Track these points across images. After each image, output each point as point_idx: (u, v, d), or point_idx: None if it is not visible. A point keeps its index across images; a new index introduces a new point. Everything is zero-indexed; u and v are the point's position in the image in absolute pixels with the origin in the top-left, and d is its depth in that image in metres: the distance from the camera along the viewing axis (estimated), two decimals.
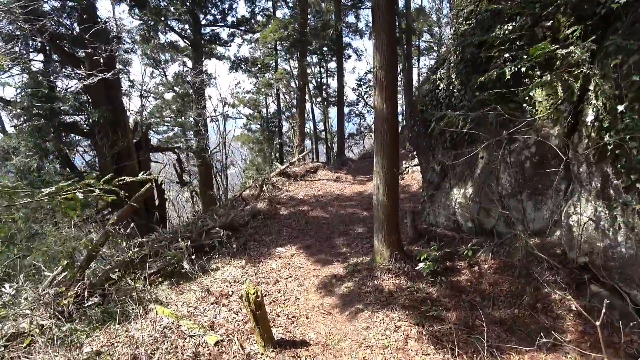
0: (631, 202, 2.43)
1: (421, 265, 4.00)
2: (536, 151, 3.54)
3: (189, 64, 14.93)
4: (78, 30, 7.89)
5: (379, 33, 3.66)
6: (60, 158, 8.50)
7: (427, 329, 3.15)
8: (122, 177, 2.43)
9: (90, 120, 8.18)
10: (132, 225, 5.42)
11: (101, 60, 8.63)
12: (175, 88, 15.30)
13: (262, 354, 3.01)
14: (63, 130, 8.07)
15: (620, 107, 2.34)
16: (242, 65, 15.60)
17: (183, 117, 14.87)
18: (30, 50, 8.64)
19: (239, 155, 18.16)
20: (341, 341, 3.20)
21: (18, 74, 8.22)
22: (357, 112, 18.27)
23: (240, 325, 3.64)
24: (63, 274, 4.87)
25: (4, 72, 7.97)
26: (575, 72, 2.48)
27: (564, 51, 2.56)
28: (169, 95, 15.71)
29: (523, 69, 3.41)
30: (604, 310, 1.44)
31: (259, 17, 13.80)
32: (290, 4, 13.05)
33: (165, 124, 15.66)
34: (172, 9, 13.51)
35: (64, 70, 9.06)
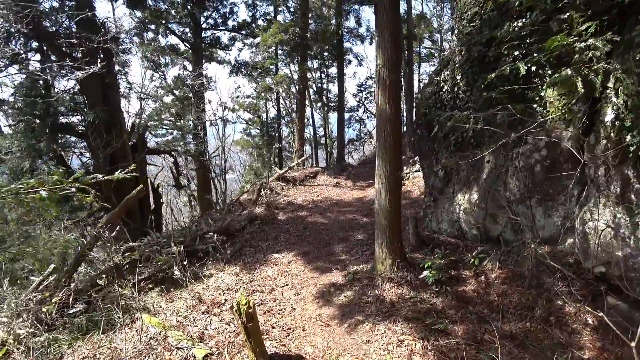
0: None
1: (425, 273, 3.78)
2: (547, 154, 3.36)
3: (189, 67, 14.89)
4: (75, 29, 7.79)
5: (382, 31, 3.52)
6: (55, 159, 8.32)
7: (432, 344, 2.92)
8: (95, 175, 2.22)
9: (86, 121, 8.02)
10: (119, 229, 5.21)
11: (98, 59, 8.54)
12: (174, 91, 15.23)
13: None
14: (57, 131, 7.89)
15: None
16: (243, 70, 15.54)
17: (182, 121, 14.75)
18: (27, 49, 8.53)
19: (238, 160, 18.00)
20: (340, 356, 2.96)
21: (16, 73, 8.12)
22: (357, 118, 18.20)
23: (231, 337, 3.40)
24: (50, 279, 4.64)
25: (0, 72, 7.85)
26: (595, 67, 2.32)
27: (583, 44, 2.40)
28: (168, 99, 15.64)
29: (533, 68, 3.27)
30: None
31: (260, 22, 13.81)
32: (292, 9, 13.07)
33: (164, 127, 15.54)
34: (172, 12, 13.50)
35: (61, 70, 8.95)
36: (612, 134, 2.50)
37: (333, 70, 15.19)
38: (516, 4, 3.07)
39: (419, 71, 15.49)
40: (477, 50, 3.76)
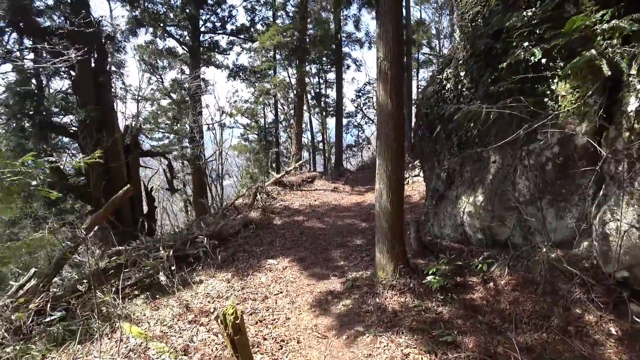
0: None
1: (429, 279, 3.51)
2: (560, 151, 3.15)
3: (187, 71, 14.76)
4: (69, 27, 7.61)
5: (383, 20, 3.34)
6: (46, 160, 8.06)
7: (440, 358, 2.64)
8: (48, 158, 1.97)
9: (77, 121, 7.80)
10: (106, 232, 4.93)
11: (92, 58, 8.36)
12: (172, 94, 15.06)
13: None
14: (47, 130, 7.63)
15: None
16: (241, 74, 15.44)
17: (179, 124, 14.55)
18: (20, 48, 8.34)
19: (235, 165, 17.77)
20: None
21: (8, 72, 7.92)
22: (355, 123, 18.09)
23: (219, 349, 3.10)
24: (32, 283, 4.34)
25: None
26: (619, 51, 2.13)
27: (605, 25, 2.21)
28: (165, 102, 15.46)
29: (544, 61, 3.08)
30: None
31: (258, 26, 13.76)
32: (290, 14, 13.06)
33: (160, 130, 15.31)
34: (171, 14, 13.43)
35: (55, 71, 8.76)
36: (635, 125, 2.30)
37: (331, 76, 15.15)
38: None
39: (417, 77, 15.49)
40: (483, 43, 3.58)
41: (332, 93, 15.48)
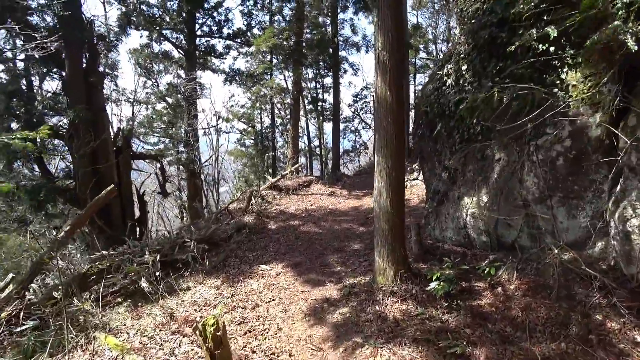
0: None
1: (433, 285, 3.25)
2: (572, 145, 2.94)
3: (183, 75, 14.61)
4: (59, 25, 7.42)
5: (381, 7, 3.16)
6: (32, 161, 7.78)
7: None
8: None
9: (67, 121, 7.53)
10: (89, 235, 4.63)
11: (84, 57, 8.15)
12: (167, 98, 14.86)
13: None
14: (33, 130, 7.34)
15: None
16: (237, 78, 15.30)
17: (174, 128, 14.32)
18: (10, 48, 8.12)
19: (231, 171, 17.50)
20: None
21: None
22: (352, 128, 17.95)
23: None
24: (8, 290, 4.02)
25: None
26: None
27: None
28: (160, 106, 15.25)
29: (552, 49, 2.90)
30: None
31: (255, 30, 13.68)
32: (287, 18, 13.00)
33: (155, 135, 15.07)
34: (167, 18, 13.32)
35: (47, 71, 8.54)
36: None
37: (328, 80, 15.05)
38: None
39: (414, 82, 15.47)
40: (486, 33, 3.41)
41: (329, 97, 15.40)
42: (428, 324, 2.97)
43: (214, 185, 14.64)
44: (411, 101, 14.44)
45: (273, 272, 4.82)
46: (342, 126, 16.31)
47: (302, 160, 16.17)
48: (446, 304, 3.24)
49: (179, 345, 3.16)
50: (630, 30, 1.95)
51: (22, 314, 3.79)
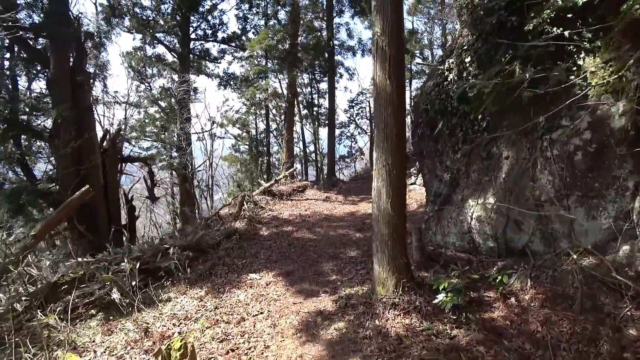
0: None
1: (440, 297, 2.89)
2: (592, 137, 2.66)
3: (177, 79, 14.34)
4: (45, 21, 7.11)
5: None
6: (14, 163, 7.38)
7: None
8: None
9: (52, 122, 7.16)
10: (61, 240, 4.22)
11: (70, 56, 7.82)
12: (160, 102, 14.54)
13: None
14: (11, 129, 6.94)
15: None
16: (232, 83, 15.07)
17: (166, 133, 13.96)
18: None
19: (225, 177, 17.11)
20: None
21: None
22: (348, 134, 17.73)
23: None
24: None
25: None
26: None
27: None
28: (152, 110, 14.91)
29: (566, 33, 2.65)
30: None
31: (250, 34, 13.51)
32: (283, 22, 12.87)
33: (147, 139, 14.67)
34: (161, 21, 13.11)
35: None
36: None
37: (324, 86, 14.91)
38: None
39: (410, 87, 15.38)
40: (494, 19, 3.15)
41: (325, 102, 15.22)
42: (435, 341, 2.61)
43: (207, 191, 14.23)
44: (408, 107, 14.28)
45: (263, 281, 4.43)
46: (337, 132, 16.08)
47: (297, 166, 15.87)
48: (454, 317, 2.88)
49: None
50: None
51: None
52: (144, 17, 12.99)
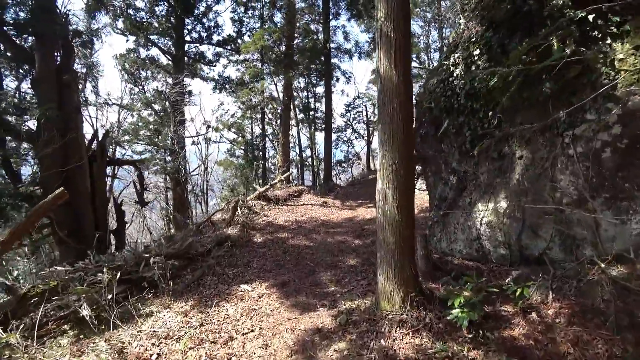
0: None
1: (455, 313, 2.56)
2: (622, 132, 2.38)
3: (171, 82, 14.04)
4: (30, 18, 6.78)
5: None
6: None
7: None
8: None
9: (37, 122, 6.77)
10: (37, 248, 3.82)
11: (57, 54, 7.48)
12: (154, 105, 14.19)
13: None
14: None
15: None
16: (227, 86, 14.81)
17: (160, 136, 13.59)
18: None
19: (220, 182, 16.73)
20: None
21: None
22: (345, 139, 17.52)
23: None
24: None
25: None
26: None
27: None
28: (146, 113, 14.56)
29: (590, 17, 2.39)
30: None
31: (246, 37, 13.30)
32: (279, 25, 12.68)
33: (140, 142, 14.28)
34: (155, 23, 12.85)
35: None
36: None
37: (320, 90, 14.70)
38: None
39: None
40: (509, 3, 2.89)
41: (321, 106, 15.00)
42: None
43: (202, 196, 13.83)
44: None
45: (255, 293, 4.06)
46: (334, 136, 15.84)
47: (294, 170, 15.55)
48: (470, 337, 2.54)
49: None
50: None
51: None
52: (138, 19, 12.75)
